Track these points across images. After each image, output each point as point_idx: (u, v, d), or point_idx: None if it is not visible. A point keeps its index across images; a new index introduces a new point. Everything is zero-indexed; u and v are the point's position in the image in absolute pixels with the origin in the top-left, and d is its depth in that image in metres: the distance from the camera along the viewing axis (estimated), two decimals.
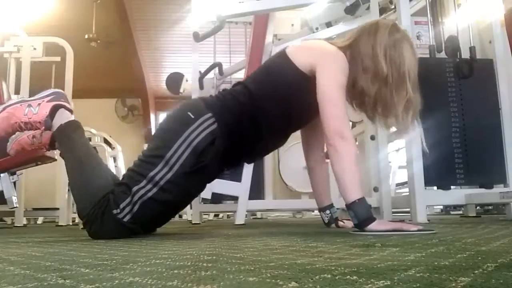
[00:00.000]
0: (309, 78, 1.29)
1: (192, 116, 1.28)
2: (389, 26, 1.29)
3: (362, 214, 1.15)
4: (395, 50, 1.25)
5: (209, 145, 1.26)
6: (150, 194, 1.23)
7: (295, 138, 1.76)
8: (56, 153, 1.66)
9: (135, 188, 1.23)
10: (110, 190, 1.26)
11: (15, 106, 1.42)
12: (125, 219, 1.22)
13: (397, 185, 4.65)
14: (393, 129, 1.38)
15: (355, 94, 1.33)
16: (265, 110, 1.33)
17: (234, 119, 1.31)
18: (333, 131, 1.20)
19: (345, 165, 1.18)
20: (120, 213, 1.22)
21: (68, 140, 1.37)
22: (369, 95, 1.27)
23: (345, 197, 1.18)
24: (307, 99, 1.32)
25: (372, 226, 1.13)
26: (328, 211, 1.64)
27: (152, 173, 1.23)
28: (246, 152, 1.45)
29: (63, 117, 1.40)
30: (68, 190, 3.71)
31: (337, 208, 1.75)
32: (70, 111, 1.43)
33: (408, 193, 2.02)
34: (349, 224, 1.63)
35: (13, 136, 1.49)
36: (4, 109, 1.42)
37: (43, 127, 1.39)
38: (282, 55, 1.36)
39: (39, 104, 1.41)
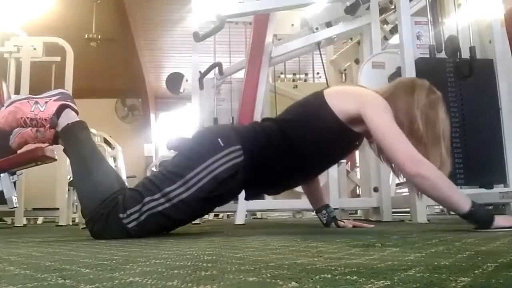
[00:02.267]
0: (343, 125, 1.29)
1: (222, 144, 1.28)
2: (427, 87, 1.31)
3: (483, 216, 1.14)
4: (432, 111, 1.26)
5: (231, 177, 1.27)
6: (160, 208, 1.23)
7: None
8: (56, 153, 1.65)
9: (147, 199, 1.23)
10: (117, 191, 1.26)
11: (23, 101, 1.43)
12: (129, 226, 1.22)
13: (397, 185, 4.65)
14: None
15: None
16: (295, 151, 1.33)
17: (262, 156, 1.31)
18: (409, 162, 1.16)
19: (440, 186, 1.15)
20: (126, 218, 1.22)
21: (75, 140, 1.37)
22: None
23: (458, 210, 1.14)
24: (339, 145, 1.36)
25: (497, 223, 1.12)
26: (324, 211, 1.65)
27: (168, 189, 1.23)
28: (266, 187, 1.47)
29: (69, 117, 1.40)
30: (68, 190, 3.72)
31: (335, 208, 1.75)
32: (76, 112, 1.44)
33: (408, 193, 2.02)
34: (349, 224, 1.64)
35: (16, 129, 1.49)
36: (11, 103, 1.43)
37: (48, 125, 1.39)
38: (320, 98, 1.34)
39: (46, 102, 1.41)
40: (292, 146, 1.32)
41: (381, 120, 1.22)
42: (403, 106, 1.27)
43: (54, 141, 1.46)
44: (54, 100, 1.42)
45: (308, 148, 1.33)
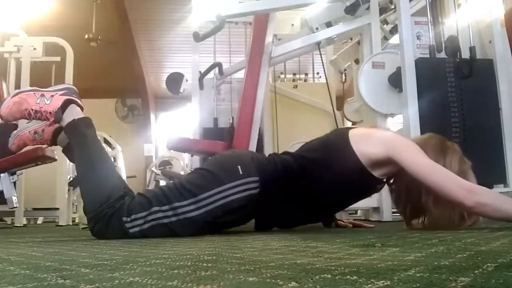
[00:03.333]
0: (364, 169, 1.27)
1: (241, 172, 1.27)
2: (460, 153, 1.29)
3: None
4: (465, 178, 1.22)
5: (241, 207, 1.27)
6: (166, 220, 1.22)
7: (296, 138, 1.76)
8: (56, 153, 1.66)
9: (155, 208, 1.22)
10: (124, 192, 1.26)
11: (29, 93, 1.42)
12: (131, 230, 1.21)
13: None
14: None
15: (408, 200, 1.30)
16: (311, 191, 1.32)
17: (278, 191, 1.31)
18: (464, 194, 1.12)
19: (499, 207, 1.12)
20: (129, 222, 1.21)
21: (81, 136, 1.36)
22: (431, 214, 1.25)
23: None
24: (356, 189, 1.36)
25: None
26: None
27: (178, 204, 1.23)
28: (276, 221, 1.47)
29: (74, 112, 1.40)
30: (68, 190, 3.72)
31: None
32: (81, 107, 1.43)
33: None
34: (348, 223, 1.64)
35: (15, 131, 1.49)
36: (17, 94, 1.42)
37: (53, 119, 1.39)
38: (343, 137, 1.32)
39: (52, 95, 1.41)
40: (310, 185, 1.31)
41: (421, 161, 1.19)
42: None
43: (53, 142, 1.46)
44: (60, 95, 1.41)
45: (325, 189, 1.32)
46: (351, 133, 1.32)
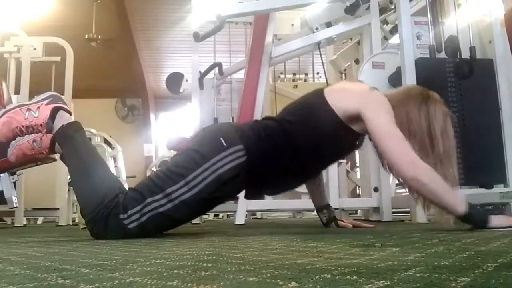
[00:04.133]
0: (343, 123, 1.29)
1: (224, 144, 1.27)
2: (442, 102, 1.30)
3: (479, 217, 1.16)
4: (447, 128, 1.26)
5: (233, 177, 1.27)
6: (162, 209, 1.22)
7: None
8: (56, 154, 1.65)
9: (149, 200, 1.22)
10: (117, 191, 1.26)
11: (15, 110, 1.42)
12: (130, 226, 1.22)
13: (397, 185, 4.64)
14: None
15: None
16: (296, 150, 1.32)
17: (264, 156, 1.31)
18: (405, 165, 1.15)
19: (436, 190, 1.14)
20: (127, 218, 1.21)
21: (71, 140, 1.37)
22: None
23: (454, 213, 1.15)
24: (339, 144, 1.36)
25: (492, 223, 1.13)
26: (325, 211, 1.66)
27: (170, 189, 1.23)
28: (267, 188, 1.47)
29: (63, 118, 1.40)
30: (68, 190, 3.72)
31: (335, 208, 1.75)
32: (69, 112, 1.43)
33: (408, 193, 2.01)
34: (349, 223, 1.64)
35: (13, 142, 1.49)
36: (3, 114, 1.42)
37: (45, 130, 1.39)
38: (319, 95, 1.34)
39: (38, 107, 1.41)
40: (293, 145, 1.32)
41: (381, 120, 1.21)
42: (416, 116, 1.25)
43: (51, 149, 1.47)
44: (46, 104, 1.41)
45: (309, 147, 1.33)
46: (327, 90, 1.35)
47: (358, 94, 1.31)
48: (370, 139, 1.38)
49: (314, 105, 1.36)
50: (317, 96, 1.35)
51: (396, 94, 1.33)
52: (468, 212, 1.13)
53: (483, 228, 1.13)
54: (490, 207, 1.88)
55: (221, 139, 1.28)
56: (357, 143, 1.44)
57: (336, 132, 1.30)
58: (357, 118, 1.27)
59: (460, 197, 1.18)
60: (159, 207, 1.22)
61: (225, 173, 1.25)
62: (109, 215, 1.21)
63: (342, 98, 1.31)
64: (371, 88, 1.33)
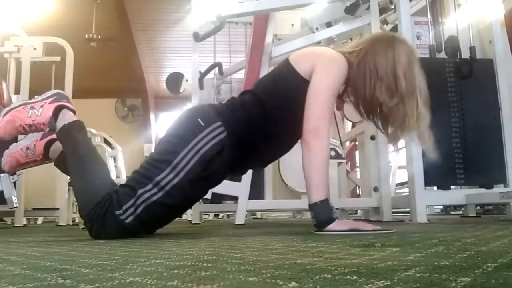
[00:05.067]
0: (308, 84, 1.31)
1: (202, 124, 1.28)
2: (408, 44, 1.34)
3: (322, 215, 1.21)
4: (411, 68, 1.29)
5: (217, 154, 1.27)
6: (155, 198, 1.23)
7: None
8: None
9: (140, 191, 1.23)
10: (113, 190, 1.26)
11: (18, 109, 1.42)
12: (127, 221, 1.22)
13: (397, 185, 4.65)
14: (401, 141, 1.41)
15: (365, 102, 1.35)
16: (274, 119, 1.34)
17: (244, 128, 1.32)
18: (310, 127, 1.24)
19: (314, 164, 1.22)
20: (123, 214, 1.22)
21: (71, 140, 1.37)
22: (386, 107, 1.29)
23: (309, 196, 1.22)
24: None
25: (330, 226, 1.18)
26: None
27: (158, 178, 1.24)
28: (253, 160, 1.47)
29: (66, 117, 1.40)
30: (68, 190, 3.72)
31: (336, 208, 1.75)
32: (73, 111, 1.44)
33: (408, 193, 2.02)
34: None
35: (7, 150, 1.50)
36: (7, 112, 1.43)
37: (47, 129, 1.40)
38: (286, 63, 1.38)
39: (41, 106, 1.41)
40: (270, 112, 1.34)
41: (320, 81, 1.27)
42: (382, 60, 1.29)
43: (45, 156, 1.47)
44: (50, 103, 1.42)
45: (285, 111, 1.35)
46: (291, 56, 1.39)
47: (313, 55, 1.36)
48: (340, 97, 1.42)
49: (282, 72, 1.40)
50: (284, 64, 1.40)
51: (362, 43, 1.36)
52: (317, 204, 1.19)
53: (322, 228, 1.19)
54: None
55: (199, 119, 1.30)
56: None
57: (304, 93, 1.32)
58: None
59: (326, 191, 1.23)
60: (152, 196, 1.23)
61: (208, 151, 1.26)
62: (106, 214, 1.22)
63: (303, 60, 1.35)
64: (329, 48, 1.38)
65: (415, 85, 1.28)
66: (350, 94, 1.37)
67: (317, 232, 1.20)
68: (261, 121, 1.33)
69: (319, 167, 1.22)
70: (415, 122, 1.26)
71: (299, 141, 1.34)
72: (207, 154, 1.26)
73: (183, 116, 1.39)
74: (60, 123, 1.39)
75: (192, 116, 1.34)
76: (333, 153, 2.43)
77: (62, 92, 1.48)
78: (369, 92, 1.28)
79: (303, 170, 1.25)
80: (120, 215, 1.22)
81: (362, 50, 1.32)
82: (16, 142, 1.53)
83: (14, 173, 1.66)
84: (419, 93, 1.28)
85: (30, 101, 1.45)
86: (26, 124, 1.40)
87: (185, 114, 1.40)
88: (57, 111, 1.40)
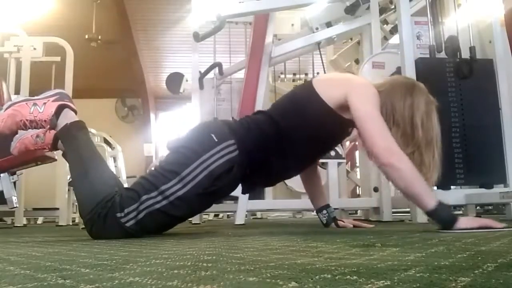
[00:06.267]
0: (332, 111, 1.31)
1: (215, 140, 1.29)
2: (426, 93, 1.32)
3: (446, 217, 1.16)
4: (429, 118, 1.28)
5: (226, 172, 1.27)
6: (158, 206, 1.23)
7: None
8: (56, 153, 1.65)
9: (144, 197, 1.23)
10: (115, 191, 1.26)
11: (21, 104, 1.43)
12: (128, 224, 1.22)
13: None
14: None
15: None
16: (290, 141, 1.34)
17: (256, 149, 1.32)
18: (383, 149, 1.18)
19: (409, 177, 1.16)
20: (124, 217, 1.22)
21: (73, 140, 1.37)
22: None
23: (422, 207, 1.16)
24: (330, 132, 1.38)
25: (460, 225, 1.13)
26: (325, 211, 1.65)
27: (164, 187, 1.24)
28: (264, 179, 1.47)
29: (68, 116, 1.40)
30: (68, 190, 3.72)
31: (335, 208, 1.75)
32: (75, 111, 1.44)
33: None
34: (349, 224, 1.64)
35: (17, 135, 1.49)
36: (10, 106, 1.43)
37: (48, 126, 1.40)
38: (309, 88, 1.36)
39: (44, 103, 1.41)
40: (285, 136, 1.33)
41: (364, 108, 1.24)
42: (400, 106, 1.28)
43: (53, 146, 1.47)
44: (53, 101, 1.42)
45: (300, 136, 1.34)
46: (315, 80, 1.38)
47: (344, 81, 1.34)
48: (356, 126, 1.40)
49: (303, 96, 1.38)
50: (306, 87, 1.38)
51: (382, 85, 1.35)
52: (436, 208, 1.14)
53: (450, 229, 1.14)
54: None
55: (212, 135, 1.30)
56: (349, 129, 1.44)
57: (326, 121, 1.32)
58: (346, 106, 1.29)
59: (433, 193, 1.19)
60: (155, 203, 1.23)
61: (217, 168, 1.26)
62: (107, 215, 1.22)
63: (330, 86, 1.34)
64: (359, 77, 1.36)
65: (433, 135, 1.27)
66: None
67: (444, 231, 1.14)
68: (276, 143, 1.33)
69: (415, 177, 1.16)
70: (430, 171, 1.24)
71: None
72: (216, 171, 1.26)
73: (197, 129, 1.39)
74: (61, 121, 1.39)
75: (206, 130, 1.34)
76: (333, 153, 2.43)
77: (64, 92, 1.49)
78: None
79: (401, 191, 1.19)
80: (121, 218, 1.22)
81: (382, 92, 1.30)
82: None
83: (14, 173, 1.66)
84: (436, 143, 1.27)
85: (33, 98, 1.46)
86: (27, 120, 1.40)
87: (199, 127, 1.40)
88: (59, 110, 1.40)
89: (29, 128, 1.43)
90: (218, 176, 1.26)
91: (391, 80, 1.39)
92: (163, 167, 1.29)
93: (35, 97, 1.46)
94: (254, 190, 1.50)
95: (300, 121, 1.34)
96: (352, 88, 1.29)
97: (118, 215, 1.22)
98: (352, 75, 1.42)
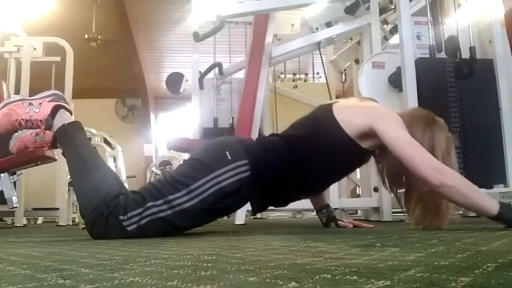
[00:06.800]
0: (351, 141, 1.28)
1: (229, 157, 1.28)
2: (446, 129, 1.31)
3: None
4: (449, 154, 1.27)
5: (235, 191, 1.27)
6: (162, 214, 1.23)
7: None
8: (56, 153, 1.66)
9: (149, 204, 1.23)
10: (118, 191, 1.26)
11: (17, 103, 1.42)
12: (129, 228, 1.22)
13: None
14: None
15: (392, 174, 1.31)
16: (304, 167, 1.32)
17: (269, 171, 1.32)
18: (430, 172, 1.15)
19: (465, 192, 1.15)
20: (126, 220, 1.22)
21: (72, 140, 1.37)
22: (418, 190, 1.26)
23: (487, 214, 1.15)
24: (346, 161, 1.37)
25: None
26: (324, 211, 1.66)
27: (171, 197, 1.23)
28: (272, 201, 1.46)
29: (63, 117, 1.41)
30: (68, 190, 3.72)
31: (335, 208, 1.75)
32: (70, 112, 1.44)
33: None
34: (348, 223, 1.64)
35: (16, 134, 1.49)
36: (5, 105, 1.43)
37: (44, 126, 1.40)
38: (328, 113, 1.34)
39: (40, 103, 1.41)
40: (300, 162, 1.32)
41: (398, 134, 1.21)
42: (420, 138, 1.25)
43: (53, 145, 1.47)
44: (48, 101, 1.42)
45: (316, 164, 1.33)
46: (335, 106, 1.35)
47: (369, 110, 1.31)
48: (375, 156, 1.38)
49: (321, 122, 1.36)
50: (325, 113, 1.35)
51: (402, 115, 1.32)
52: (501, 211, 1.12)
53: None
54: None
55: (227, 152, 1.29)
56: (365, 158, 1.43)
57: (343, 149, 1.30)
58: (367, 134, 1.27)
59: (489, 197, 1.18)
60: (160, 212, 1.23)
61: (227, 186, 1.25)
62: (109, 216, 1.21)
63: (352, 114, 1.30)
64: (378, 104, 1.35)
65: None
66: (379, 153, 1.34)
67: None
68: (290, 168, 1.32)
69: (469, 187, 1.16)
70: (445, 212, 1.23)
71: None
72: (225, 189, 1.25)
73: (212, 144, 1.39)
74: (57, 122, 1.39)
75: (222, 147, 1.33)
76: None
77: (60, 93, 1.49)
78: (398, 167, 1.24)
79: (463, 206, 1.20)
80: (123, 221, 1.22)
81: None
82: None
83: (14, 173, 1.66)
84: None
85: (28, 98, 1.46)
86: (22, 119, 1.40)
87: (215, 143, 1.40)
88: (55, 110, 1.40)
89: (24, 128, 1.42)
90: (226, 195, 1.26)
91: (411, 111, 1.37)
92: (174, 177, 1.28)
93: (31, 98, 1.46)
94: (264, 210, 1.48)
95: (317, 149, 1.32)
96: (379, 116, 1.26)
97: (121, 217, 1.21)
98: (374, 103, 1.39)
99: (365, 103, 1.38)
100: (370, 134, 1.27)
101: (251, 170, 1.28)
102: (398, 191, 1.35)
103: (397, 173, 1.29)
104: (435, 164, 1.16)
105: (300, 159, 1.32)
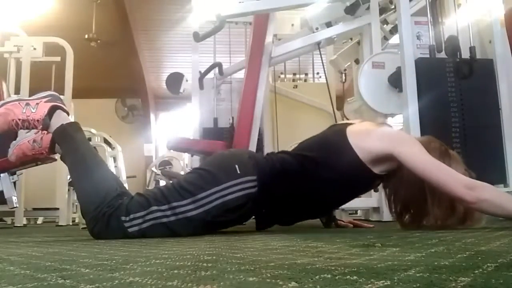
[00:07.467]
0: (363, 165, 1.27)
1: (238, 172, 1.28)
2: (462, 163, 1.29)
3: None
4: None
5: (240, 206, 1.27)
6: (164, 220, 1.23)
7: (296, 138, 1.76)
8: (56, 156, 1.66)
9: (154, 208, 1.23)
10: (121, 191, 1.26)
11: (14, 103, 1.42)
12: (130, 230, 1.22)
13: None
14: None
15: (402, 201, 1.31)
16: (313, 189, 1.32)
17: (276, 190, 1.31)
18: (463, 190, 1.14)
19: (499, 203, 1.14)
20: (128, 222, 1.22)
21: (71, 140, 1.37)
22: (432, 215, 1.25)
23: None
24: (357, 186, 1.36)
25: None
26: None
27: (176, 204, 1.24)
28: (277, 219, 1.46)
29: (60, 118, 1.41)
30: (68, 190, 3.72)
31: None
32: (67, 113, 1.44)
33: None
34: (348, 223, 1.64)
35: (14, 142, 1.50)
36: (2, 105, 1.42)
37: (41, 126, 1.39)
38: (341, 135, 1.32)
39: (37, 103, 1.41)
40: (308, 183, 1.31)
41: (423, 156, 1.20)
42: None
43: (51, 150, 1.47)
44: (45, 102, 1.42)
45: (325, 187, 1.32)
46: (349, 130, 1.32)
47: (386, 135, 1.29)
48: (384, 185, 1.37)
49: (333, 144, 1.34)
50: (338, 135, 1.33)
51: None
52: None
53: None
54: None
55: (236, 166, 1.29)
56: (375, 183, 1.42)
57: (354, 173, 1.29)
58: (381, 159, 1.26)
59: None
60: (163, 217, 1.23)
61: (232, 201, 1.25)
62: (111, 216, 1.21)
63: (368, 139, 1.28)
64: (393, 129, 1.34)
65: None
66: (390, 178, 1.33)
67: None
68: (298, 188, 1.32)
69: (501, 198, 1.15)
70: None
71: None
72: (230, 203, 1.25)
73: (223, 156, 1.39)
74: (55, 123, 1.39)
75: (232, 160, 1.33)
76: None
77: (56, 94, 1.49)
78: (417, 194, 1.23)
79: (501, 216, 1.19)
80: (125, 222, 1.22)
81: None
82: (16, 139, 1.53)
83: (14, 173, 1.66)
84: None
85: (25, 98, 1.46)
86: (19, 119, 1.40)
87: (225, 155, 1.40)
88: (52, 110, 1.40)
89: (21, 128, 1.42)
90: (231, 209, 1.26)
91: (425, 139, 1.35)
92: (181, 184, 1.28)
93: (28, 98, 1.46)
94: (270, 227, 1.48)
95: (328, 172, 1.30)
96: (400, 140, 1.25)
97: (123, 218, 1.21)
98: (390, 128, 1.38)
99: (381, 128, 1.35)
100: (385, 158, 1.25)
101: (259, 186, 1.28)
102: (405, 215, 1.33)
103: (410, 197, 1.28)
104: (467, 182, 1.15)
105: (310, 180, 1.31)
